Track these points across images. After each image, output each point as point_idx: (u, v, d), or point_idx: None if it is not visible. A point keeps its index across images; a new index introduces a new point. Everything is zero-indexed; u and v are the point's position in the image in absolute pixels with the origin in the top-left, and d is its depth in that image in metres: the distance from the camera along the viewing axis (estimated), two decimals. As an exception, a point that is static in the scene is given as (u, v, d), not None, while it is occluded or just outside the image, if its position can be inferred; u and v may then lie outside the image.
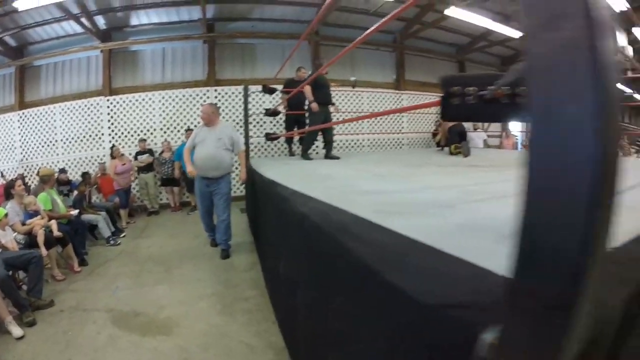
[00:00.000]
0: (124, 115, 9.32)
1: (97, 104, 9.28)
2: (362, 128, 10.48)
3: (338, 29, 10.68)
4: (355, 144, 10.65)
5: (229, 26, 10.17)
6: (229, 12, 9.82)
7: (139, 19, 9.60)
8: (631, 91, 19.01)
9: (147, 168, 8.73)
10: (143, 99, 9.38)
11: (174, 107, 9.37)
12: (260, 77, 9.88)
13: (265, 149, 9.69)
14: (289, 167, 5.35)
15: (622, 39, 9.44)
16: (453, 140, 7.42)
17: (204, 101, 8.89)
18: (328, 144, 6.77)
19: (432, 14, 9.67)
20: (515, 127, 15.51)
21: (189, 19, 9.57)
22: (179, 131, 9.37)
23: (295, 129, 7.90)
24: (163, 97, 9.40)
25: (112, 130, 9.32)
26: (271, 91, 8.01)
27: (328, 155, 6.66)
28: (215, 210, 5.50)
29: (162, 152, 8.83)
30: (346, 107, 9.97)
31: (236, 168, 6.58)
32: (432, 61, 12.28)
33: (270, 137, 8.17)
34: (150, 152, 8.81)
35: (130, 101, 9.37)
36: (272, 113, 8.36)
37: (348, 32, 10.53)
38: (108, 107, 9.36)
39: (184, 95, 9.49)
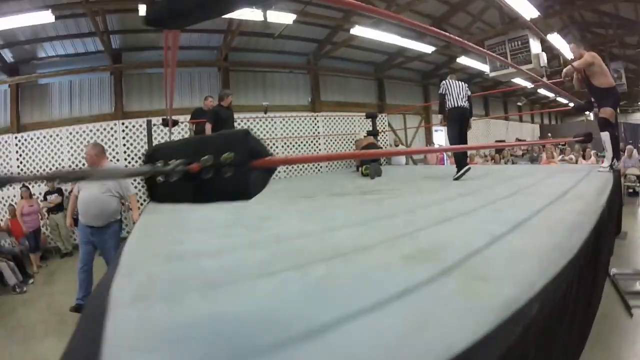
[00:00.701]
0: (33, 153, 8.88)
1: (5, 141, 8.92)
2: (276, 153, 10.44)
3: (247, 53, 11.00)
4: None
5: (136, 56, 10.06)
6: (135, 42, 9.83)
7: (46, 51, 9.29)
8: (554, 94, 19.61)
9: (58, 208, 8.27)
10: (51, 135, 8.72)
11: (82, 142, 8.76)
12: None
13: None
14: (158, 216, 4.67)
15: (536, 47, 9.61)
16: (364, 161, 7.52)
17: (112, 135, 8.68)
18: None
19: (343, 33, 10.21)
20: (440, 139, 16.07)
21: (95, 50, 9.51)
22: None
23: None
24: (71, 133, 8.74)
25: (21, 169, 9.04)
26: (173, 124, 7.71)
27: None
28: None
29: (71, 190, 8.33)
30: (259, 133, 9.94)
31: (125, 218, 6.57)
32: (348, 80, 13.03)
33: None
34: (59, 191, 8.35)
35: (39, 138, 8.74)
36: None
37: (258, 56, 10.68)
38: (16, 144, 8.95)
39: (90, 130, 8.96)
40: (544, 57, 9.85)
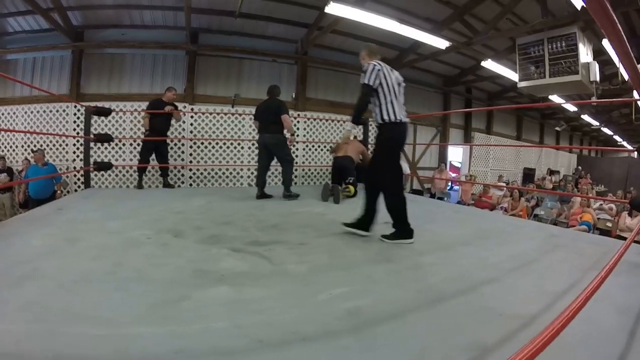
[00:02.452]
0: None
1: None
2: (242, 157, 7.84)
3: (221, 35, 8.42)
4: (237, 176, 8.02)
5: (97, 34, 8.17)
6: (96, 19, 7.94)
7: (12, 26, 8.03)
8: (598, 124, 15.73)
9: (5, 188, 7.23)
10: (8, 113, 7.58)
11: (35, 123, 7.47)
12: (127, 92, 8.12)
13: (113, 179, 7.21)
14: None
15: (586, 53, 6.52)
16: (333, 177, 5.87)
17: (64, 118, 7.33)
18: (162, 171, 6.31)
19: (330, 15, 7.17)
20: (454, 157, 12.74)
21: (58, 27, 7.75)
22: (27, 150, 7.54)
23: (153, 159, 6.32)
24: (26, 112, 7.52)
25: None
26: (105, 113, 6.05)
27: (165, 183, 6.25)
28: None
29: (21, 170, 7.29)
30: (223, 132, 7.44)
31: None
32: (345, 76, 9.78)
33: (101, 166, 6.06)
34: (9, 171, 7.32)
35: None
36: (103, 139, 6.05)
37: (234, 40, 8.09)
38: None
39: (44, 111, 7.50)
40: (595, 69, 6.63)
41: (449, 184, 11.57)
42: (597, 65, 6.65)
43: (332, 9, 6.06)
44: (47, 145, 7.40)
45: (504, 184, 11.08)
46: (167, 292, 1.78)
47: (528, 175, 13.90)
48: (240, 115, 7.48)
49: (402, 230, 2.95)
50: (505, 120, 14.17)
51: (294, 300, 1.80)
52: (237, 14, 7.20)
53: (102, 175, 7.08)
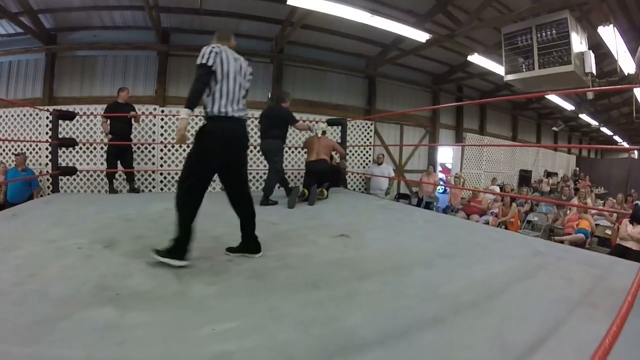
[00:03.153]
0: None
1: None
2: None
3: (192, 35, 7.84)
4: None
5: (69, 37, 7.73)
6: (67, 22, 7.54)
7: None
8: (597, 123, 14.78)
9: None
10: None
11: (11, 127, 7.06)
12: (98, 94, 7.59)
13: (85, 183, 6.65)
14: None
15: (579, 41, 5.79)
16: (306, 182, 5.36)
17: (37, 122, 6.90)
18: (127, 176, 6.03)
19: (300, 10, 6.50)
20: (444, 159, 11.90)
21: (31, 30, 7.40)
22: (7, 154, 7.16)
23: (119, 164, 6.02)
24: (0, 116, 7.08)
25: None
26: (69, 117, 5.88)
27: (130, 188, 5.99)
28: None
29: None
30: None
31: None
32: (325, 75, 9.04)
33: (65, 171, 5.80)
34: None
35: None
36: (67, 144, 5.69)
37: (206, 39, 7.38)
38: None
39: (18, 115, 7.06)
40: (591, 59, 5.81)
41: (439, 187, 10.82)
42: (592, 55, 5.81)
43: (294, 0, 5.38)
44: (24, 149, 7.00)
45: (498, 187, 10.28)
46: (54, 310, 1.69)
47: (524, 177, 12.97)
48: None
49: (175, 247, 2.30)
50: (499, 120, 13.22)
51: (172, 331, 1.57)
52: (201, 11, 6.62)
53: (74, 180, 6.61)
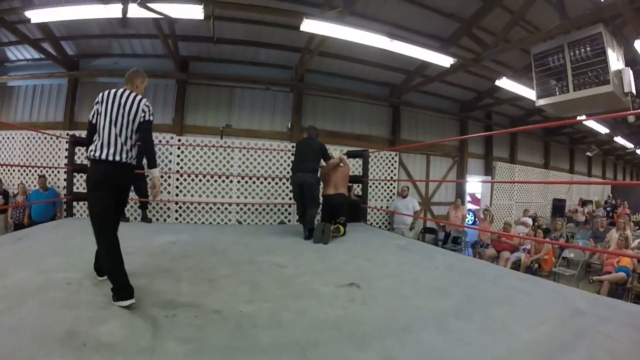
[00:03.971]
0: None
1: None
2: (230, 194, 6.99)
3: (211, 63, 7.78)
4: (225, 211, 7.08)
5: (91, 63, 7.93)
6: (89, 49, 7.73)
7: (14, 54, 8.09)
8: (632, 146, 13.86)
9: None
10: (8, 137, 7.44)
11: (32, 149, 7.28)
12: None
13: None
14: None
15: (616, 58, 5.29)
16: (323, 217, 5.21)
17: (57, 145, 7.07)
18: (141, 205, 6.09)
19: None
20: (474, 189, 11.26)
21: (55, 55, 7.59)
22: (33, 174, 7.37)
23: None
24: (23, 138, 7.33)
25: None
26: (82, 143, 5.82)
27: (143, 216, 6.03)
28: None
29: (16, 194, 7.32)
30: (213, 166, 6.76)
31: None
32: (347, 104, 8.73)
33: (77, 196, 5.85)
34: (5, 194, 7.34)
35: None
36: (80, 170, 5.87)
37: (224, 68, 7.56)
38: None
39: (40, 138, 7.24)
40: (630, 77, 5.27)
41: (469, 218, 10.23)
42: (630, 72, 5.29)
43: (307, 26, 5.13)
44: (46, 171, 7.17)
45: (530, 219, 9.61)
46: (14, 353, 1.64)
47: (558, 207, 12.25)
48: (229, 147, 6.69)
49: (118, 288, 2.27)
50: (530, 147, 12.60)
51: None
52: (215, 40, 6.50)
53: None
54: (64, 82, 7.93)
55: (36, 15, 5.65)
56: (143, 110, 2.52)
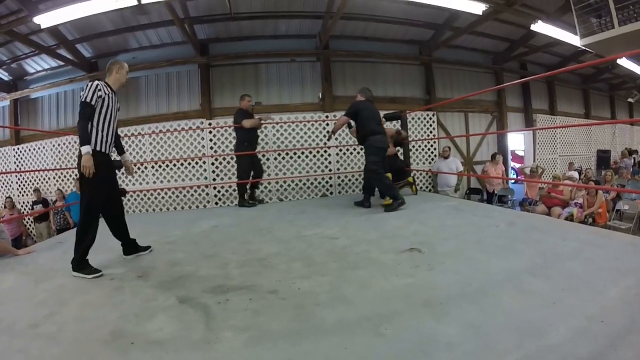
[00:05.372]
0: (27, 163, 7.84)
1: (6, 152, 8.10)
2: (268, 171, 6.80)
3: (230, 43, 7.69)
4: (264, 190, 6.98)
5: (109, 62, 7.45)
6: (106, 47, 7.78)
7: (32, 67, 8.31)
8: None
9: (42, 217, 7.78)
10: (38, 147, 7.68)
11: (67, 154, 7.44)
12: (145, 114, 7.77)
13: (133, 203, 6.49)
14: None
15: None
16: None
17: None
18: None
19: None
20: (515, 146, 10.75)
21: (72, 59, 7.69)
22: (69, 179, 7.60)
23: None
24: (54, 145, 7.49)
25: (18, 179, 8.07)
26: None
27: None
28: None
29: (55, 201, 7.59)
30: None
31: None
32: (376, 67, 8.45)
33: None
34: (44, 202, 7.75)
35: (31, 149, 7.81)
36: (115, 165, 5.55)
37: (246, 45, 7.57)
38: (14, 156, 7.97)
39: (69, 143, 7.37)
40: None
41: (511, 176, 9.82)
42: None
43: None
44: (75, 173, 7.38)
45: (576, 172, 9.13)
46: None
47: (602, 158, 11.65)
48: (262, 124, 6.54)
49: (78, 260, 2.62)
50: (570, 96, 12.01)
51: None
52: (232, 15, 6.32)
53: (125, 202, 6.32)
54: (84, 85, 7.96)
55: (45, 20, 5.66)
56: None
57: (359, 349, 1.47)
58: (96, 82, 2.69)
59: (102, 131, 2.71)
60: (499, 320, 1.60)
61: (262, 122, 5.74)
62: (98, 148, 2.68)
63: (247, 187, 5.76)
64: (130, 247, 3.01)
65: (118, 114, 2.92)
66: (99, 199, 2.73)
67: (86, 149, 2.59)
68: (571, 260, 2.27)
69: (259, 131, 5.80)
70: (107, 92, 2.73)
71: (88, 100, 2.61)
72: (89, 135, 2.64)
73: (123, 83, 2.95)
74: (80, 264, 2.60)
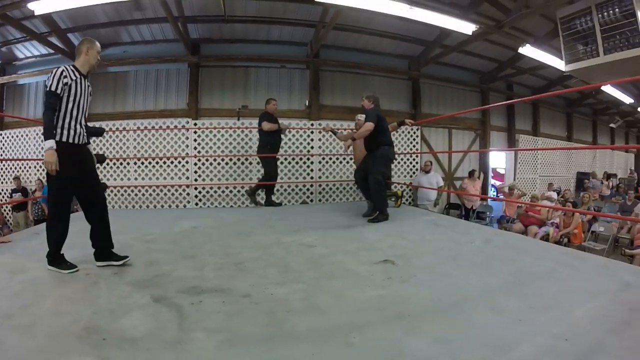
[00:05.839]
0: (7, 150, 7.67)
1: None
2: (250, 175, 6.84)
3: (223, 45, 7.67)
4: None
5: (100, 54, 7.31)
6: (96, 39, 6.88)
7: (22, 52, 8.08)
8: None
9: (20, 207, 7.64)
10: (22, 135, 7.51)
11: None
12: (131, 109, 7.63)
13: (113, 199, 6.45)
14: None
15: None
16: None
17: None
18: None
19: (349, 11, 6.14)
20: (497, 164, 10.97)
21: (63, 48, 7.51)
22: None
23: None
24: (37, 134, 7.26)
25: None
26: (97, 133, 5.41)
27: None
28: None
29: (34, 190, 7.49)
30: (231, 148, 6.66)
31: None
32: (365, 79, 8.48)
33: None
34: (24, 190, 7.58)
35: (15, 136, 7.60)
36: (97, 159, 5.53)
37: (237, 48, 7.43)
38: None
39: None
40: None
41: (491, 194, 10.01)
42: None
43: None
44: None
45: (555, 192, 9.35)
46: (30, 355, 1.54)
47: (582, 180, 11.91)
48: (247, 128, 6.55)
49: (53, 254, 2.55)
50: (553, 119, 12.25)
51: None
52: (226, 18, 6.36)
53: (115, 196, 6.44)
54: (75, 75, 7.90)
55: (40, 7, 5.59)
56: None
57: (328, 357, 1.51)
58: (61, 68, 2.50)
59: (72, 120, 2.52)
60: (468, 336, 1.65)
61: (283, 128, 5.88)
62: (65, 139, 2.49)
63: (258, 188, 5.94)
64: (104, 253, 2.70)
65: (90, 100, 2.71)
66: (65, 195, 2.58)
67: (49, 143, 2.42)
68: (544, 280, 2.36)
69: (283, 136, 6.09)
70: (74, 78, 2.52)
71: (53, 89, 2.43)
72: (54, 127, 2.46)
73: (94, 65, 2.71)
74: (55, 259, 2.52)
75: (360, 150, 5.18)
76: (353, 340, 1.63)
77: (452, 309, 1.95)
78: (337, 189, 6.94)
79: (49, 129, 2.43)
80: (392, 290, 2.24)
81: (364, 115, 4.98)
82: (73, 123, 2.53)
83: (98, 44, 2.70)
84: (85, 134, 2.65)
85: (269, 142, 5.72)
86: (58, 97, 2.46)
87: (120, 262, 2.66)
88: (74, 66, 2.58)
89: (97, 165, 3.06)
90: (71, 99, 2.51)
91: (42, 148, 2.50)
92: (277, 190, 6.56)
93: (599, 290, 2.16)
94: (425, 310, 1.94)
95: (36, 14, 5.71)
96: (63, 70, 2.48)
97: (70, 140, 2.52)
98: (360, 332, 1.70)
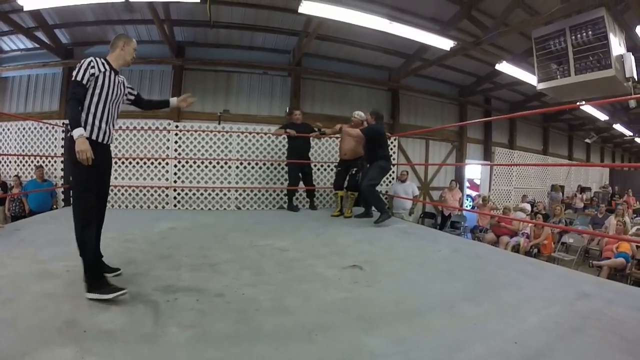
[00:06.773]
0: None
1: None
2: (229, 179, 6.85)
3: (208, 49, 7.72)
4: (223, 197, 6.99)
5: (86, 51, 7.73)
6: (83, 37, 7.61)
7: (7, 44, 7.94)
8: (632, 134, 13.80)
9: None
10: (2, 129, 7.25)
11: (31, 139, 7.08)
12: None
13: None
14: None
15: (618, 43, 5.23)
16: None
17: (53, 135, 6.85)
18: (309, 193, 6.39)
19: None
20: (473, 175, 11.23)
21: (49, 44, 7.49)
22: (29, 166, 7.25)
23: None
24: (19, 129, 7.13)
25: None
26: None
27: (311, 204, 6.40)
28: None
29: (12, 187, 7.22)
30: (211, 151, 6.60)
31: None
32: (346, 88, 8.67)
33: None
34: (3, 185, 7.28)
35: None
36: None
37: (222, 53, 7.50)
38: None
39: (35, 128, 7.07)
40: (631, 62, 5.23)
41: (467, 203, 10.22)
42: (632, 58, 5.25)
43: (305, 8, 5.07)
44: (43, 162, 7.05)
45: (529, 204, 9.60)
46: (12, 346, 1.59)
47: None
48: (227, 132, 6.59)
49: (91, 278, 2.15)
50: (529, 133, 12.57)
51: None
52: (212, 24, 6.43)
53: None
54: (59, 71, 7.85)
55: (29, 2, 5.56)
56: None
57: (290, 353, 1.61)
58: (90, 58, 2.29)
59: (96, 116, 2.29)
60: (424, 338, 1.75)
61: (288, 133, 6.10)
62: (87, 135, 2.23)
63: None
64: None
65: (122, 96, 2.49)
66: (91, 197, 2.30)
67: (79, 131, 2.17)
68: (504, 289, 2.46)
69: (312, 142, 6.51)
70: (102, 70, 2.29)
71: (79, 79, 2.22)
72: (79, 118, 2.24)
73: (128, 62, 2.50)
74: (95, 282, 2.13)
75: (347, 144, 5.58)
76: (315, 338, 1.74)
77: (412, 313, 2.05)
78: (320, 194, 7.03)
79: (74, 118, 2.21)
80: (357, 293, 2.33)
81: (360, 112, 5.55)
82: (98, 119, 2.31)
83: (135, 41, 2.53)
84: (110, 132, 2.42)
85: (291, 149, 6.14)
86: (84, 88, 2.24)
87: (110, 275, 2.43)
88: (105, 59, 2.39)
89: None
90: (97, 91, 2.28)
91: (61, 141, 2.42)
92: (255, 194, 6.63)
93: (556, 298, 2.27)
94: (387, 313, 2.02)
95: (25, 9, 5.66)
96: (91, 61, 2.27)
97: (94, 137, 2.29)
98: (323, 331, 1.80)
